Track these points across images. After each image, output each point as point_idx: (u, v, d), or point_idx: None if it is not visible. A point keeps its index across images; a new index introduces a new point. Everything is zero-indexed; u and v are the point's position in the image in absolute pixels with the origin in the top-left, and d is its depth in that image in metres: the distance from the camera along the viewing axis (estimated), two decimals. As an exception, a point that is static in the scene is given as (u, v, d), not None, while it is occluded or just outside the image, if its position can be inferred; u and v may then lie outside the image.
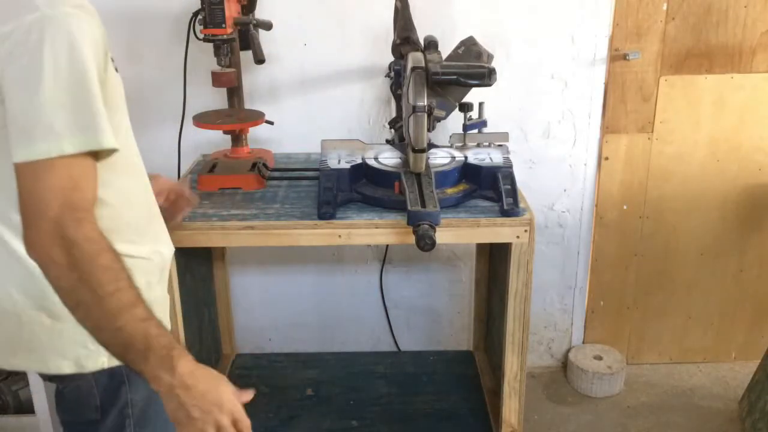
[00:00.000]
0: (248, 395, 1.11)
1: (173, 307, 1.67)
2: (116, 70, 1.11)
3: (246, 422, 1.10)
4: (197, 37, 1.82)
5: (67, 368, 1.14)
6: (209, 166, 1.87)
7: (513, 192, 1.64)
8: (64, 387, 1.20)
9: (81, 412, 1.20)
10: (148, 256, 1.19)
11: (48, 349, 1.12)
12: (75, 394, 1.19)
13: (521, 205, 1.63)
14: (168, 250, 1.29)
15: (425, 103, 1.50)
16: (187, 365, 1.02)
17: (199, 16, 1.74)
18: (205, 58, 1.97)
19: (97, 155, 1.01)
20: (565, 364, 2.53)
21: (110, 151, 1.01)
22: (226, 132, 1.92)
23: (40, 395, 2.01)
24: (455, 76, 1.58)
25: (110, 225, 1.05)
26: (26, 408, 2.15)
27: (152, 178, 1.48)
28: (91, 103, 0.98)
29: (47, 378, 1.22)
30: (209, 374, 1.06)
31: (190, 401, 1.02)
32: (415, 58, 1.56)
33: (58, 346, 1.08)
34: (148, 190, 1.24)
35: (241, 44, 1.85)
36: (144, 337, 0.99)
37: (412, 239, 1.49)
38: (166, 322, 1.24)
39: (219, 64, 1.82)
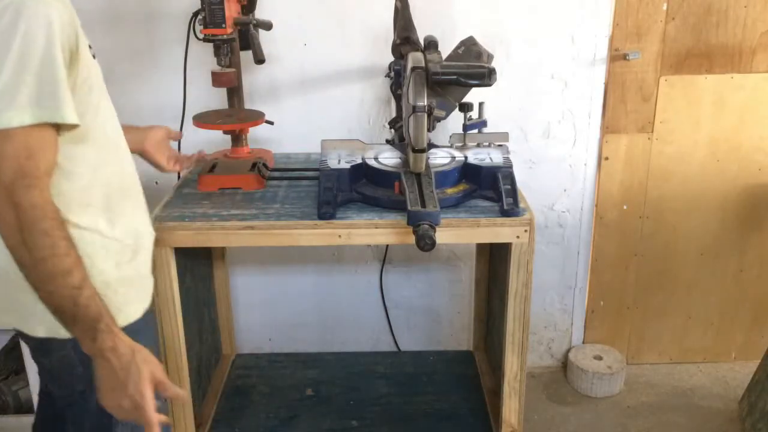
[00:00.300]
0: (177, 390, 1.20)
1: (173, 307, 1.67)
2: (94, 57, 1.21)
3: (172, 388, 1.17)
4: (197, 37, 1.82)
5: (41, 332, 1.21)
6: (209, 166, 1.87)
7: (513, 192, 1.64)
8: (51, 360, 1.27)
9: (69, 384, 1.27)
10: (118, 237, 1.24)
11: (29, 310, 1.18)
12: (60, 365, 1.26)
13: (521, 205, 1.63)
14: (147, 233, 1.36)
15: (425, 103, 1.50)
16: (107, 341, 1.10)
17: (199, 16, 1.73)
18: (205, 58, 1.98)
19: (59, 129, 1.09)
20: (565, 364, 2.53)
21: (72, 126, 1.10)
22: (226, 132, 1.92)
23: (40, 395, 2.01)
24: (455, 76, 1.57)
25: (78, 197, 1.16)
26: (26, 408, 2.15)
27: (148, 129, 1.64)
28: (54, 80, 1.06)
29: (36, 348, 1.28)
30: (136, 350, 1.13)
31: (112, 372, 1.11)
32: (415, 58, 1.56)
33: (36, 308, 1.13)
34: (128, 172, 1.31)
35: (241, 44, 1.85)
36: (72, 305, 1.07)
37: (412, 239, 1.49)
38: (139, 301, 1.30)
39: (219, 64, 1.82)
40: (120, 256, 1.25)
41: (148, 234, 1.37)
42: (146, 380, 1.12)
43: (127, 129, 1.52)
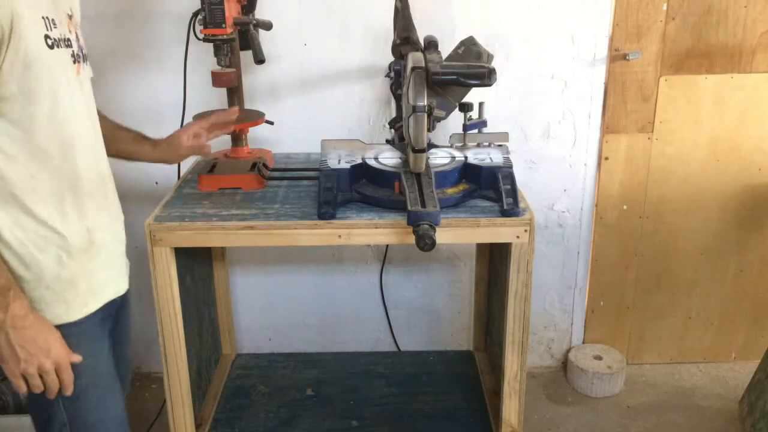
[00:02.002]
0: (78, 357, 1.25)
1: (173, 307, 1.67)
2: (52, 47, 1.20)
3: (69, 374, 1.23)
4: (197, 37, 1.82)
5: None
6: (209, 166, 1.87)
7: (513, 192, 1.64)
8: None
9: None
10: (66, 234, 1.25)
11: None
12: None
13: (521, 205, 1.63)
14: (111, 239, 1.37)
15: (425, 103, 1.50)
16: (21, 308, 1.17)
17: (199, 16, 1.73)
18: (205, 58, 1.98)
19: None
20: (565, 364, 2.53)
21: None
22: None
23: (40, 395, 2.00)
24: (455, 76, 1.57)
25: (17, 181, 1.18)
26: (26, 408, 2.15)
27: (167, 141, 1.66)
28: None
29: None
30: (42, 323, 1.20)
31: (17, 340, 1.16)
32: (415, 58, 1.56)
33: None
34: (92, 172, 1.31)
35: (241, 44, 1.85)
36: None
37: (412, 239, 1.49)
38: (80, 305, 1.30)
39: (219, 64, 1.82)
40: (64, 253, 1.25)
41: (112, 239, 1.38)
42: (62, 342, 1.21)
43: (153, 143, 1.62)
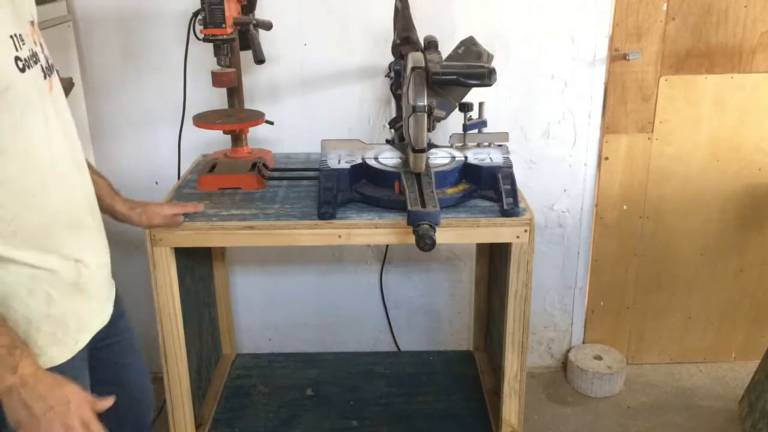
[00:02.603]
0: (108, 402, 1.13)
1: (173, 307, 1.67)
2: (23, 69, 1.08)
3: (96, 426, 1.10)
4: (197, 37, 1.82)
5: None
6: (209, 166, 1.87)
7: (513, 192, 1.64)
8: None
9: None
10: (53, 268, 1.15)
11: None
12: None
13: (521, 205, 1.63)
14: (99, 273, 1.26)
15: (425, 103, 1.50)
16: (30, 366, 1.04)
17: (199, 16, 1.73)
18: (205, 58, 1.98)
19: None
20: (565, 364, 2.53)
21: None
22: (226, 132, 1.92)
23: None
24: (455, 76, 1.57)
25: (1, 228, 1.07)
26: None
27: (142, 206, 1.53)
28: None
29: None
30: (54, 378, 1.08)
31: (31, 400, 1.03)
32: (415, 58, 1.56)
33: None
34: (68, 195, 1.19)
35: (241, 44, 1.85)
36: None
37: (412, 239, 1.49)
38: (70, 344, 1.21)
39: (219, 64, 1.82)
40: (52, 288, 1.16)
41: (98, 267, 1.27)
42: (82, 393, 1.09)
43: (125, 201, 1.51)
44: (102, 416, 1.31)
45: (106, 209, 1.45)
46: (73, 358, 1.21)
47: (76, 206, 1.21)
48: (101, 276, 1.30)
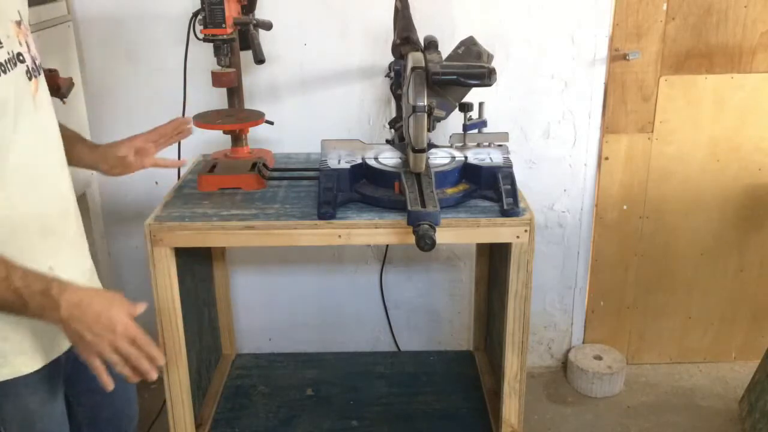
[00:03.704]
0: (141, 307, 1.15)
1: (173, 307, 1.67)
2: (5, 70, 1.06)
3: (144, 339, 1.13)
4: (197, 37, 1.82)
5: None
6: (209, 166, 1.87)
7: (513, 192, 1.64)
8: None
9: None
10: None
11: None
12: None
13: (521, 205, 1.63)
14: (68, 271, 1.20)
15: (425, 103, 1.50)
16: (70, 297, 1.07)
17: (199, 16, 1.73)
18: (205, 58, 1.98)
19: None
20: (565, 364, 2.53)
21: None
22: (226, 132, 1.92)
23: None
24: (455, 76, 1.57)
25: None
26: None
27: (103, 148, 1.49)
28: None
29: None
30: (98, 299, 1.10)
31: (82, 329, 1.08)
32: (415, 58, 1.56)
33: None
34: (47, 203, 1.18)
35: (241, 44, 1.85)
36: (13, 294, 1.04)
37: (412, 239, 1.49)
38: (38, 353, 1.18)
39: (219, 64, 1.81)
40: None
41: (77, 275, 1.24)
42: (126, 310, 1.11)
43: (91, 146, 1.46)
44: (83, 427, 1.31)
45: (72, 159, 1.38)
46: (44, 368, 1.19)
47: (53, 215, 1.19)
48: (82, 284, 1.26)
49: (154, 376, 1.14)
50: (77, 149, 1.43)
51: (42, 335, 1.18)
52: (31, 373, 1.17)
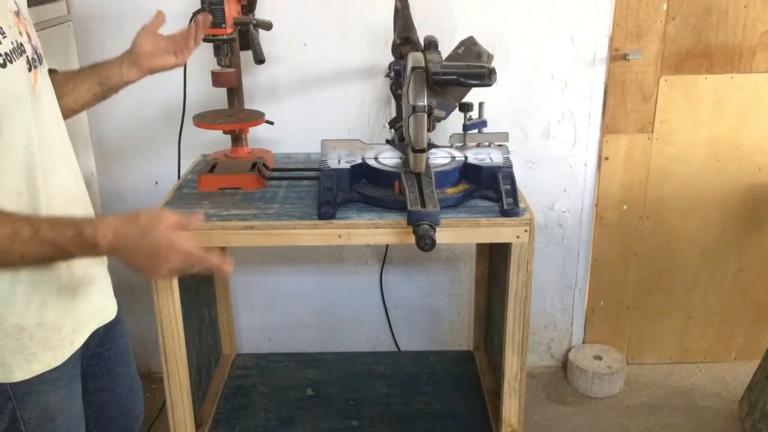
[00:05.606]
0: (197, 218, 1.12)
1: (173, 307, 1.67)
2: (4, 64, 1.04)
3: (193, 254, 1.09)
4: (197, 37, 1.81)
5: None
6: (209, 166, 1.87)
7: (513, 192, 1.64)
8: None
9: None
10: (42, 272, 1.12)
11: None
12: None
13: (521, 205, 1.63)
14: (85, 261, 1.20)
15: (425, 103, 1.50)
16: (106, 234, 1.03)
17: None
18: (205, 58, 1.97)
19: None
20: (565, 364, 2.53)
21: None
22: (226, 132, 1.92)
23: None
24: (455, 76, 1.57)
25: None
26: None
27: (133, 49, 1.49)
28: None
29: None
30: (134, 228, 1.05)
31: (129, 258, 1.05)
32: (415, 58, 1.56)
33: None
34: (55, 195, 1.15)
35: (241, 44, 1.85)
36: (50, 247, 1.00)
37: (412, 239, 1.49)
38: (64, 345, 1.18)
39: (219, 64, 1.82)
40: (46, 296, 1.14)
41: (92, 263, 1.24)
42: (171, 225, 1.06)
43: (110, 66, 1.46)
44: (90, 425, 1.31)
45: (110, 82, 1.48)
46: (65, 363, 1.19)
47: (62, 201, 1.17)
48: (97, 273, 1.28)
49: (228, 269, 1.13)
50: (113, 68, 1.46)
51: (66, 330, 1.18)
52: (53, 370, 1.16)
